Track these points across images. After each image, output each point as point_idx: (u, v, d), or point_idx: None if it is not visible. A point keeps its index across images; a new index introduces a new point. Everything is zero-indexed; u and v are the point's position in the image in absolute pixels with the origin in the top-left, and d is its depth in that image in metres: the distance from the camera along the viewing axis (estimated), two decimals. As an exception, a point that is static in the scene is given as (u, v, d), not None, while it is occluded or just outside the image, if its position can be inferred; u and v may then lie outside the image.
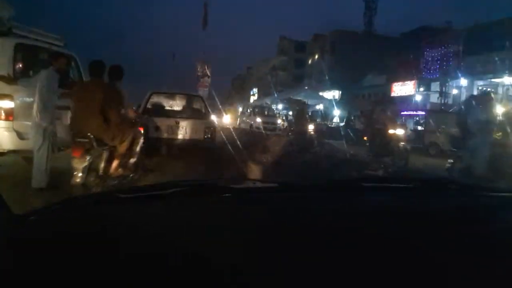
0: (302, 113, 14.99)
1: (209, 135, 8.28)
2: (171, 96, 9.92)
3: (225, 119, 24.59)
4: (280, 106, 31.76)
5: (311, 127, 14.86)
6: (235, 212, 1.04)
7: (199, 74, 39.61)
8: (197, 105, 9.69)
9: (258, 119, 22.38)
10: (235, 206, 1.11)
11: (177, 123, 7.93)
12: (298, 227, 0.92)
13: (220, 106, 22.71)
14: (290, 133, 15.88)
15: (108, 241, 0.82)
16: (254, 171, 6.39)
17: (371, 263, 0.74)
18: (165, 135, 7.90)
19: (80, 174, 4.46)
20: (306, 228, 0.91)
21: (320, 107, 31.99)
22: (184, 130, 8.03)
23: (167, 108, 9.51)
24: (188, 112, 9.07)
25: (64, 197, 1.14)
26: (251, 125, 22.83)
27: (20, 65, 5.67)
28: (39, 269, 0.71)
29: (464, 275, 0.73)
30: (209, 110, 9.20)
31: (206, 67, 40.56)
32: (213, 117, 10.45)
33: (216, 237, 0.84)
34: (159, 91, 9.47)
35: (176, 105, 9.96)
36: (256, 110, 24.82)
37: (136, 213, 1.01)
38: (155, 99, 8.92)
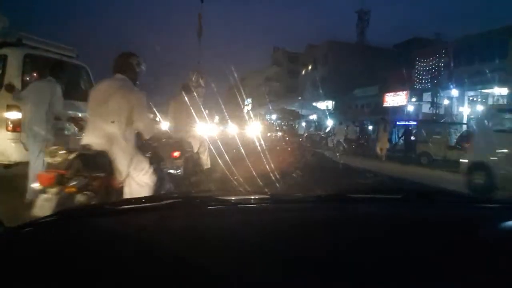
0: None
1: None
2: None
3: (250, 131, 17.96)
4: (273, 116, 32.00)
5: None
6: (226, 224, 1.04)
7: (193, 85, 39.75)
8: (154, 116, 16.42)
9: None
10: (226, 218, 1.11)
11: None
12: (288, 238, 0.92)
13: (246, 115, 19.66)
14: None
15: (101, 253, 0.82)
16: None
17: (363, 272, 0.75)
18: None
19: None
20: (295, 239, 0.92)
21: (313, 117, 32.30)
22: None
23: None
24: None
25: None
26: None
27: (30, 76, 5.57)
28: (31, 281, 0.71)
29: (453, 285, 0.73)
30: (160, 118, 16.05)
31: (200, 78, 40.70)
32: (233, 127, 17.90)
33: (208, 248, 0.85)
34: None
35: None
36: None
37: (130, 225, 1.00)
38: None
